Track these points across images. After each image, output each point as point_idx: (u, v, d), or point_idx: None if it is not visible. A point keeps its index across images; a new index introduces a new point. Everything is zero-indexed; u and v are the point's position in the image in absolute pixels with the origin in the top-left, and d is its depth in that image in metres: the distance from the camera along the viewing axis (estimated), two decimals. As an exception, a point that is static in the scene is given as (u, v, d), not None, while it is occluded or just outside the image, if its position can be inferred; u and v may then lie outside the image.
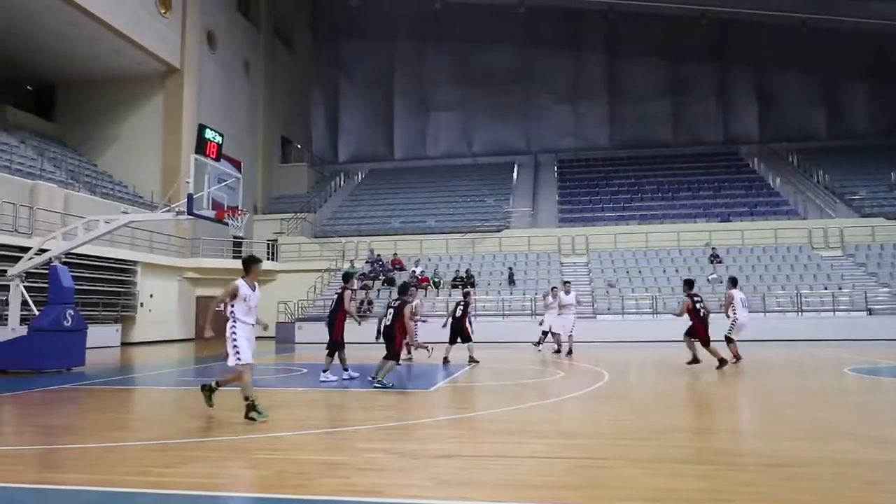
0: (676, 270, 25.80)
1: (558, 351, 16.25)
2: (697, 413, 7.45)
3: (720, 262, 25.80)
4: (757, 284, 24.05)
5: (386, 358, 9.71)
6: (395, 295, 11.03)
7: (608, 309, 23.94)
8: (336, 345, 10.47)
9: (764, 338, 20.66)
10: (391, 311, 9.85)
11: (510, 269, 26.63)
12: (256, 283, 7.15)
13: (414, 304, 13.00)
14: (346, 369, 10.66)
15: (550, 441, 5.73)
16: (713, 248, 26.66)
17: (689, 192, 32.97)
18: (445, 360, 13.41)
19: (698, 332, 11.76)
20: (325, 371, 10.48)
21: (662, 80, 40.49)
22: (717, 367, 11.51)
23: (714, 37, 39.74)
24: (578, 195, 34.47)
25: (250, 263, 7.17)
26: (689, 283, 12.38)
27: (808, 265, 25.30)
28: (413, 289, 11.44)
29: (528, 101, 41.61)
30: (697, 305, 11.75)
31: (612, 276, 26.19)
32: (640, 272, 26.19)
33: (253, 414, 6.72)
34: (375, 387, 9.43)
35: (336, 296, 10.75)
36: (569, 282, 17.75)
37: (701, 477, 4.43)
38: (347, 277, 11.09)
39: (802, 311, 22.47)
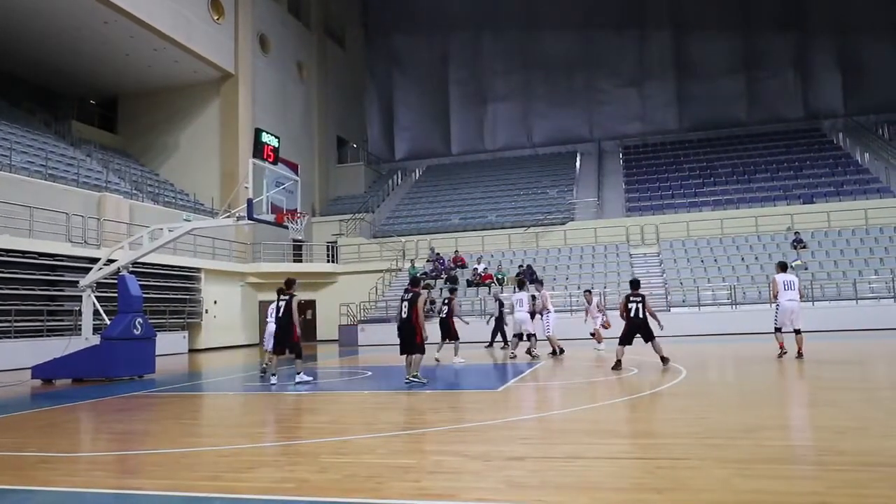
0: (756, 258, 24.30)
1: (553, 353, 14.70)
2: (789, 409, 6.98)
3: (804, 247, 24.09)
4: (847, 270, 22.42)
5: (411, 353, 9.73)
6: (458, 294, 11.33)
7: (683, 301, 22.70)
8: (419, 347, 9.92)
9: (857, 326, 19.54)
10: (405, 304, 9.78)
11: (529, 266, 25.35)
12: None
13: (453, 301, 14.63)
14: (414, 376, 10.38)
15: (627, 441, 5.53)
16: (796, 233, 24.91)
17: (768, 174, 31.07)
18: (557, 352, 14.44)
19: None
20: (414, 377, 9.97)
21: (734, 54, 38.19)
22: (613, 368, 10.91)
23: (790, 4, 37.37)
24: (646, 182, 33.04)
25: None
26: (633, 283, 11.68)
27: (905, 247, 23.32)
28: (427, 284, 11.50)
29: (590, 86, 40.20)
30: (629, 305, 11.05)
31: (685, 266, 24.84)
32: (715, 261, 24.83)
33: None
34: (412, 385, 9.53)
35: (406, 302, 9.96)
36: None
37: (799, 478, 4.13)
38: (416, 282, 10.66)
39: (900, 296, 20.68)
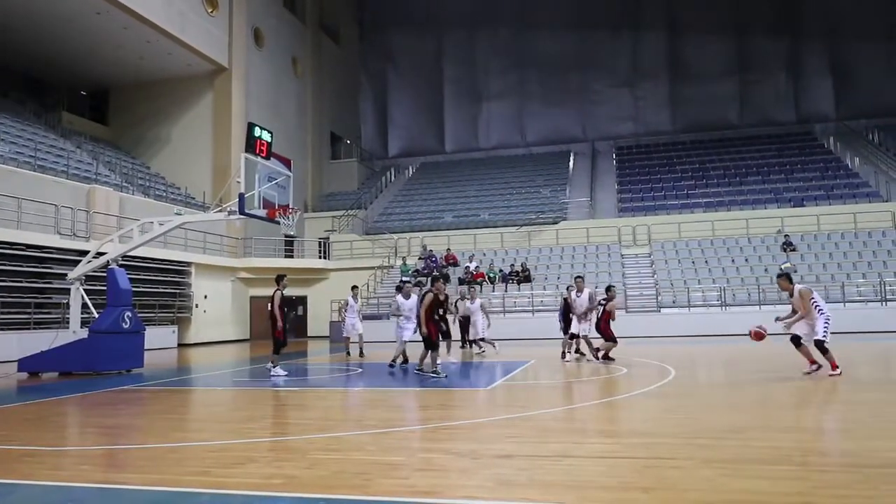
0: (746, 260, 24.45)
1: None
2: (776, 410, 6.96)
3: (794, 249, 24.27)
4: (835, 273, 22.62)
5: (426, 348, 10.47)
6: (448, 292, 11.73)
7: (673, 302, 22.82)
8: (426, 342, 10.54)
9: (844, 330, 19.39)
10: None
11: (523, 264, 25.59)
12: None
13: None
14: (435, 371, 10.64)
15: (616, 440, 5.56)
16: (786, 236, 25.08)
17: (759, 176, 31.26)
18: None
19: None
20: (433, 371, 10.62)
21: (728, 57, 38.36)
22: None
23: (784, 8, 37.59)
24: (639, 183, 33.13)
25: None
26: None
27: (893, 251, 23.57)
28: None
29: (585, 86, 40.25)
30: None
31: (675, 267, 24.97)
32: (706, 262, 24.95)
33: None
34: (416, 373, 10.37)
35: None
36: (408, 282, 14.99)
37: (784, 479, 4.15)
38: (434, 280, 11.13)
39: (886, 300, 20.89)
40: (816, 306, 9.23)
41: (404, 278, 25.98)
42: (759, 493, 3.82)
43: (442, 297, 10.63)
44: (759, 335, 9.38)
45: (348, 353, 15.85)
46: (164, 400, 9.19)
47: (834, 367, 9.11)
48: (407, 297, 12.90)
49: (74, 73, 28.52)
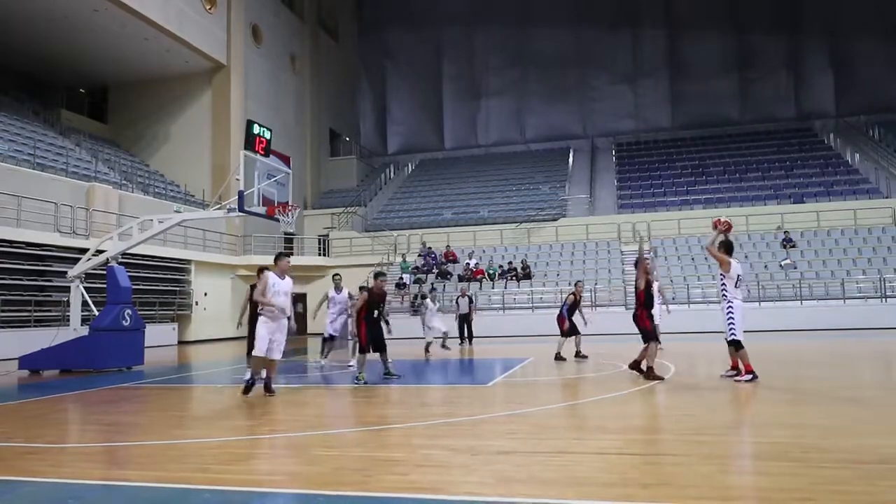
0: (746, 256, 24.40)
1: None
2: (774, 407, 6.94)
3: (794, 246, 24.29)
4: (835, 270, 22.64)
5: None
6: (448, 289, 11.21)
7: (673, 299, 22.75)
8: (360, 347, 9.79)
9: (844, 326, 19.64)
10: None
11: (522, 261, 25.67)
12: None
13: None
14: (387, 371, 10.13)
15: (615, 436, 5.51)
16: (786, 232, 25.10)
17: (759, 173, 31.26)
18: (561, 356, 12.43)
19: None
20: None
21: (728, 53, 38.37)
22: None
23: (783, 4, 37.56)
24: (638, 179, 33.14)
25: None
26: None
27: (893, 248, 23.55)
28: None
29: (584, 83, 40.26)
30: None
31: (675, 263, 24.96)
32: (706, 259, 24.80)
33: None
34: (384, 377, 9.75)
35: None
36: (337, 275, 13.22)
37: (780, 475, 4.14)
38: (376, 276, 10.29)
39: (886, 297, 20.93)
40: (723, 288, 8.31)
41: (403, 275, 26.02)
42: (759, 490, 3.84)
43: (378, 296, 9.74)
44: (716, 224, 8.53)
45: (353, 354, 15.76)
46: (164, 397, 9.19)
47: (747, 369, 8.32)
48: (338, 289, 12.29)
49: (73, 71, 28.48)
